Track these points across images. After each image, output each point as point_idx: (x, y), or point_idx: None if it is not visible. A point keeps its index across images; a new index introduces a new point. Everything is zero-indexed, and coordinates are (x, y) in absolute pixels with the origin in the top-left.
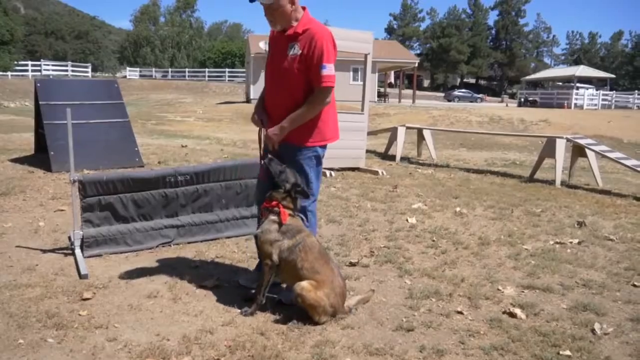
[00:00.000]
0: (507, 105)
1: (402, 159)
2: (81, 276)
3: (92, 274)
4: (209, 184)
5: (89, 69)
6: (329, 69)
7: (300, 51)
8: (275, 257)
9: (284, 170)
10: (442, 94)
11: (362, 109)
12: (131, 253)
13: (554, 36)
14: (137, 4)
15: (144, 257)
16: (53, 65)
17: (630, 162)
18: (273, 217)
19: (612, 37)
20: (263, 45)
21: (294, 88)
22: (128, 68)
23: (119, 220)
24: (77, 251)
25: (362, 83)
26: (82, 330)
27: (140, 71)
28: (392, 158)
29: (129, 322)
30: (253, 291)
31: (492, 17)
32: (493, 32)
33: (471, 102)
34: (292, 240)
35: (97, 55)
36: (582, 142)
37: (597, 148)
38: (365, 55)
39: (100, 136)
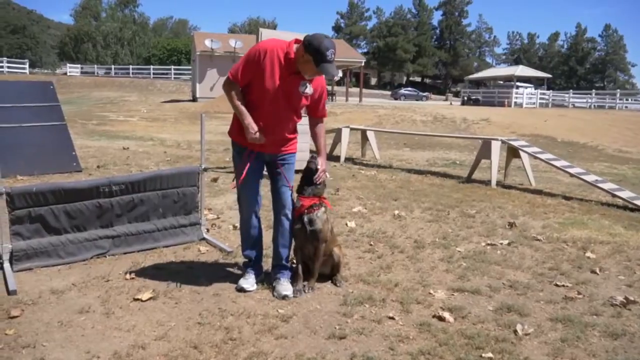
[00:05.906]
0: (451, 104)
1: (347, 159)
2: (9, 292)
3: (21, 289)
4: (145, 193)
5: (27, 65)
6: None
7: (313, 91)
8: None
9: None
10: (389, 92)
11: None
12: (64, 266)
13: (494, 37)
14: None
15: (77, 270)
16: None
17: (559, 163)
18: (323, 209)
19: (550, 37)
20: (209, 44)
21: (297, 118)
22: (69, 64)
23: (50, 232)
24: (6, 265)
25: None
26: (8, 350)
27: (82, 68)
28: (337, 159)
29: (58, 340)
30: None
31: (437, 17)
32: (437, 31)
33: (417, 100)
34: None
35: (35, 51)
36: (516, 144)
37: (529, 150)
38: None
39: (35, 140)
